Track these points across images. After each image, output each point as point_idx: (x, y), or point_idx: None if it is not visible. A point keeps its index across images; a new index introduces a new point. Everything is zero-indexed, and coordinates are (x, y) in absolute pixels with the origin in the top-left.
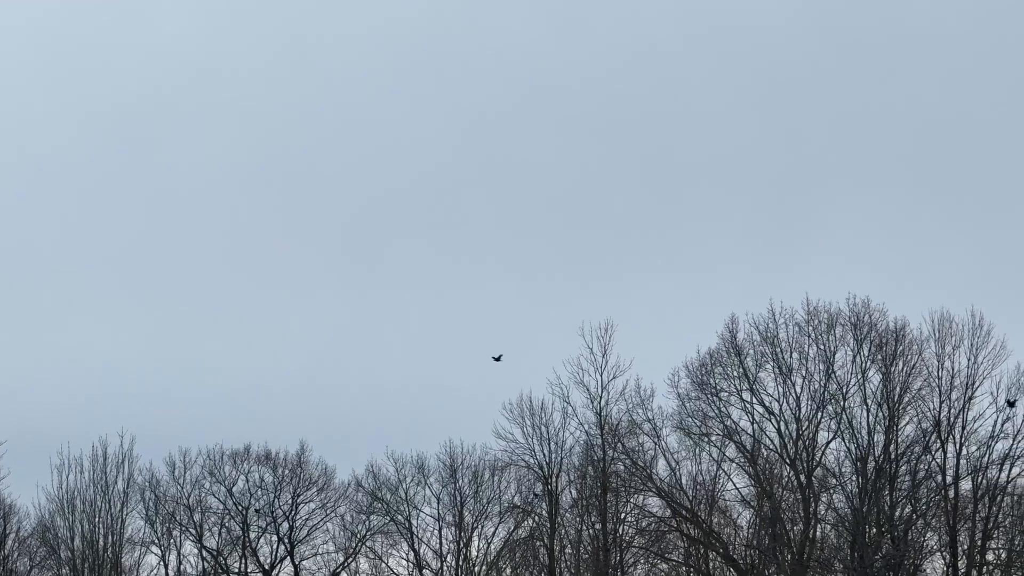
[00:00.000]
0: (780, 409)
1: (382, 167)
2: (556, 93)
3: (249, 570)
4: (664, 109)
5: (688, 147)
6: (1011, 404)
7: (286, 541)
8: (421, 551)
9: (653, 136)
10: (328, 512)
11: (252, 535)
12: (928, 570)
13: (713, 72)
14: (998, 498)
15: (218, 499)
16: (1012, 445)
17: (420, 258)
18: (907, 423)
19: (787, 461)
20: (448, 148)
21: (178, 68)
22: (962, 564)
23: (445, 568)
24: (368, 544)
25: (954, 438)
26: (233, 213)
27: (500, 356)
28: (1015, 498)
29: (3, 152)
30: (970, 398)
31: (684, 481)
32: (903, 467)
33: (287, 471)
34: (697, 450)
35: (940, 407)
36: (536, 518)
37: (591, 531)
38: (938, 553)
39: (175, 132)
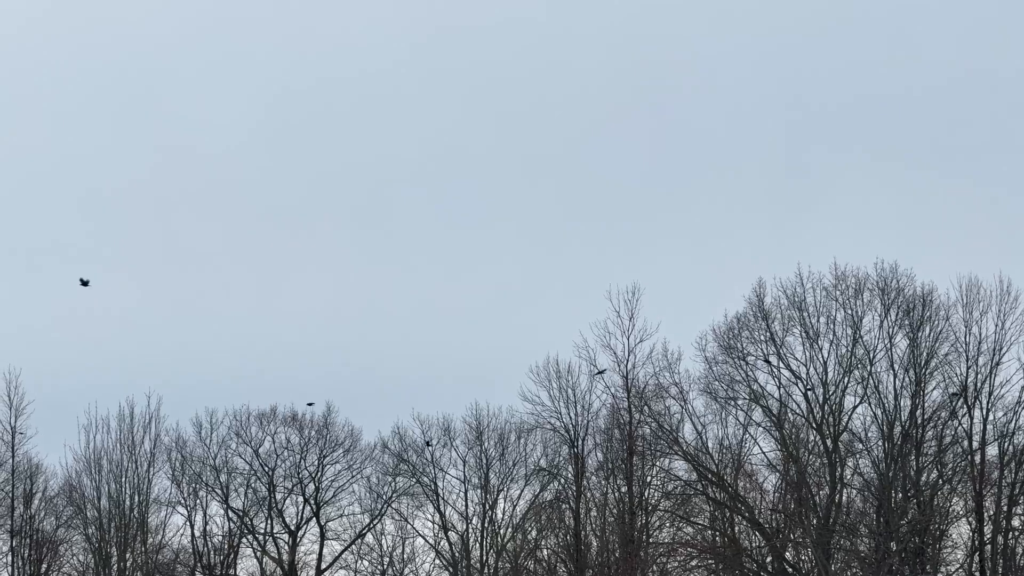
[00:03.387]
0: (807, 374)
1: (389, 126)
2: (566, 55)
3: (275, 531)
4: (679, 69)
5: (704, 109)
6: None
7: (312, 502)
8: (447, 513)
9: (667, 99)
10: (354, 474)
11: (278, 496)
12: (954, 535)
13: (727, 31)
14: None
15: (244, 460)
16: None
17: (442, 219)
18: (934, 388)
19: (813, 426)
20: (459, 108)
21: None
22: (988, 530)
23: (471, 530)
24: (394, 506)
25: (981, 404)
26: (256, 172)
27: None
28: None
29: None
30: (997, 364)
31: (710, 445)
32: (929, 432)
33: (313, 432)
34: (724, 414)
35: (967, 373)
36: (562, 481)
37: (617, 494)
38: (964, 519)
39: (190, 88)
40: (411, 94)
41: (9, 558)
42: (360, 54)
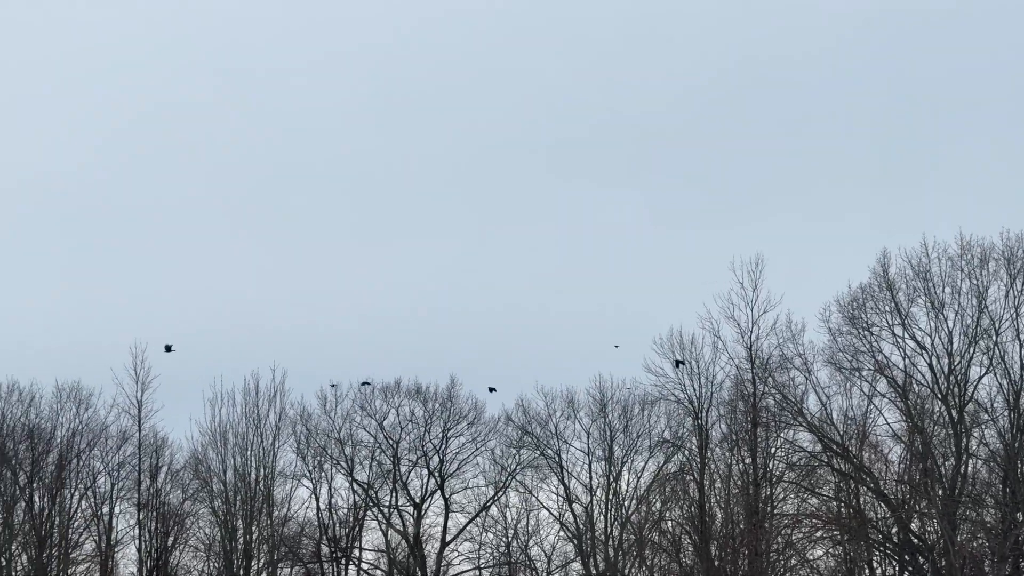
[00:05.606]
0: (932, 344)
1: (505, 93)
2: (687, 33)
3: (400, 503)
4: (796, 39)
5: (824, 79)
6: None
7: (436, 475)
8: (571, 485)
9: (786, 70)
10: (478, 446)
11: (402, 469)
12: None
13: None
14: None
15: (369, 433)
16: None
17: (564, 190)
18: None
19: (939, 396)
20: (580, 76)
21: None
22: None
23: (595, 502)
24: (518, 478)
25: None
26: (369, 146)
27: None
28: None
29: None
30: None
31: (835, 416)
32: None
33: (437, 405)
34: (848, 385)
35: None
36: (686, 453)
37: (741, 466)
38: None
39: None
40: (530, 59)
41: (136, 531)
42: (474, 22)
